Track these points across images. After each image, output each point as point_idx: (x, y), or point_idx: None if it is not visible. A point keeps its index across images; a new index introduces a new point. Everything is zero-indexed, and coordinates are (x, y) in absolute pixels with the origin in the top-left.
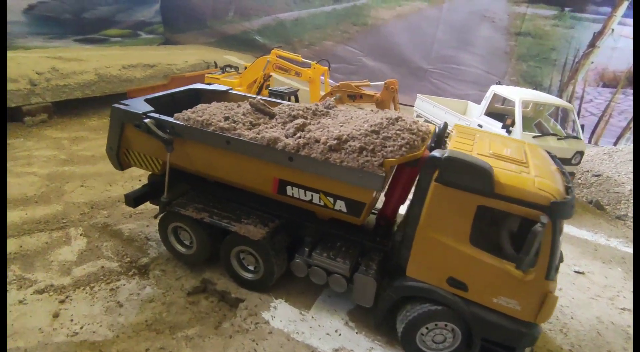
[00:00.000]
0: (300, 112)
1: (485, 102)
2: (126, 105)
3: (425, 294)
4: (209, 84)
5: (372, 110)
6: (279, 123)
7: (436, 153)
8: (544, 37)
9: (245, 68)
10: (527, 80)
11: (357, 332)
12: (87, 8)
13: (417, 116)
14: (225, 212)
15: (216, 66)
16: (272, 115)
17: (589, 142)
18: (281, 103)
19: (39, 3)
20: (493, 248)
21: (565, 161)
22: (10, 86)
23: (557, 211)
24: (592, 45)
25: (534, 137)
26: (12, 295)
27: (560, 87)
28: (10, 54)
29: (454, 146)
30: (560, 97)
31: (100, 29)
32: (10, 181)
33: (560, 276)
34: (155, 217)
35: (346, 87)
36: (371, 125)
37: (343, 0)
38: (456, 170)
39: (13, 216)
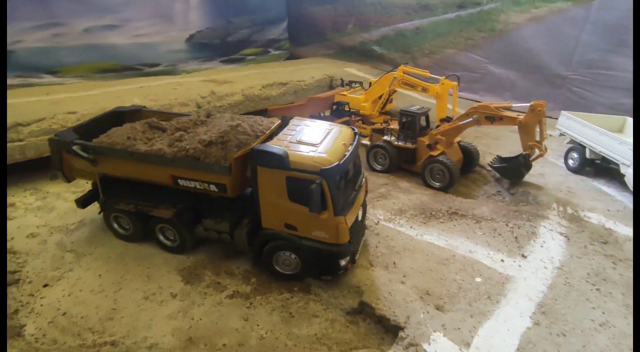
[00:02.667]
0: (184, 124)
1: None
2: (58, 136)
3: (275, 236)
4: (338, 102)
5: (232, 117)
6: (168, 135)
7: (254, 147)
8: None
9: (370, 84)
10: None
11: None
12: (231, 32)
13: (560, 135)
14: (145, 202)
15: (342, 84)
16: (164, 130)
17: None
18: (182, 116)
19: (197, 32)
20: (301, 201)
21: None
22: (182, 109)
23: (324, 174)
24: None
25: None
26: (212, 297)
27: None
28: (178, 79)
29: (277, 138)
30: None
31: (239, 50)
32: None
33: None
34: (99, 213)
35: (485, 108)
36: (219, 132)
37: (468, 6)
38: (265, 156)
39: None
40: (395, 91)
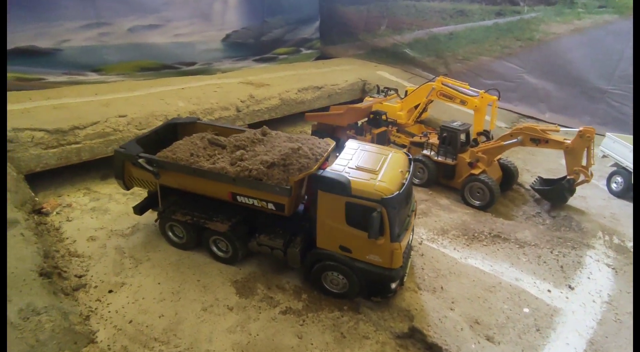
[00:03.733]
0: (243, 142)
1: None
2: (124, 148)
3: (328, 257)
4: (375, 111)
5: (289, 138)
6: (228, 152)
7: (317, 173)
8: None
9: (407, 92)
10: None
11: None
12: (265, 32)
13: (603, 157)
14: (202, 213)
15: (378, 90)
16: (223, 146)
17: None
18: (243, 131)
19: (233, 32)
20: (360, 226)
21: None
22: (223, 113)
23: (385, 203)
24: None
25: None
26: (266, 312)
27: None
28: (216, 80)
29: (337, 162)
30: None
31: (272, 49)
32: None
33: None
34: (156, 221)
35: (531, 130)
36: (281, 154)
37: (507, 14)
38: (328, 183)
39: None
40: (431, 101)
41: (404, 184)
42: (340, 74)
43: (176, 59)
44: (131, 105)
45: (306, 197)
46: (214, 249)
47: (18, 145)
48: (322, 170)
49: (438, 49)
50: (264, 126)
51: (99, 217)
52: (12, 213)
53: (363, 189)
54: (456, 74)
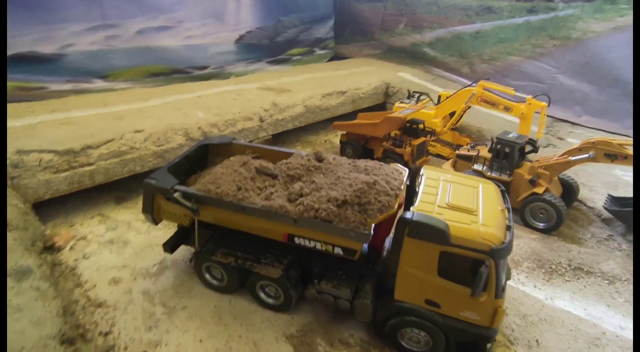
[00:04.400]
0: (297, 171)
1: None
2: (155, 180)
3: (411, 312)
4: (412, 120)
5: (355, 167)
6: (281, 184)
7: (406, 215)
8: None
9: (440, 97)
10: None
11: None
12: (280, 32)
13: None
14: (246, 254)
15: (409, 96)
16: (274, 176)
17: None
18: (289, 153)
19: (247, 33)
20: (455, 278)
21: None
22: (246, 124)
23: (496, 254)
24: None
25: None
26: None
27: None
28: (232, 86)
29: (422, 199)
30: None
31: (286, 50)
32: None
33: None
34: (190, 261)
35: (605, 144)
36: (355, 191)
37: (540, 11)
38: (421, 229)
39: None
40: (469, 107)
41: (509, 227)
42: (361, 76)
43: (187, 63)
44: (146, 117)
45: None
46: (262, 295)
47: (24, 171)
48: (413, 213)
49: (462, 49)
50: (318, 150)
51: (119, 252)
52: (22, 259)
53: (466, 237)
54: (481, 75)
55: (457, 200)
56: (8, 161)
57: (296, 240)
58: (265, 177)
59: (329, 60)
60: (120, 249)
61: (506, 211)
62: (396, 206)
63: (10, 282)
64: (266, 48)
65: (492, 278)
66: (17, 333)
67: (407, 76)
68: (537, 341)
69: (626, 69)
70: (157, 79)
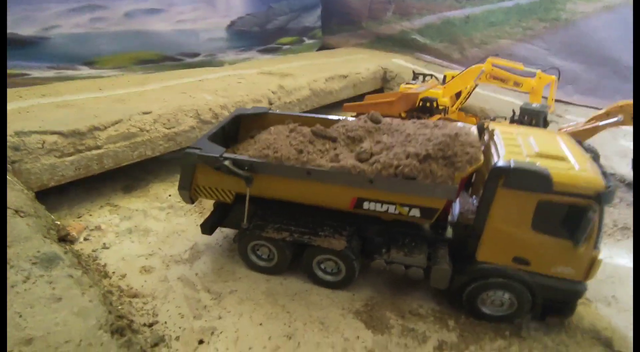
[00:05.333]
0: (358, 133)
1: None
2: (198, 149)
3: (496, 273)
4: (426, 98)
5: (422, 124)
6: (342, 147)
7: (501, 164)
8: None
9: (445, 77)
10: None
11: None
12: (270, 19)
13: None
14: (300, 227)
15: (414, 77)
16: (334, 139)
17: None
18: (336, 120)
19: (238, 19)
20: (549, 231)
21: None
22: (257, 105)
23: (604, 199)
24: None
25: None
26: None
27: None
28: (230, 72)
29: (508, 151)
30: None
31: (276, 39)
32: None
33: None
34: (235, 241)
35: (632, 107)
36: (437, 144)
37: None
38: (521, 177)
39: None
40: (477, 86)
41: (604, 173)
42: (356, 63)
43: (178, 49)
44: (150, 100)
45: None
46: (318, 272)
47: (26, 154)
48: (508, 161)
49: (452, 34)
50: (372, 112)
51: (142, 241)
52: (45, 247)
53: (570, 182)
54: (473, 59)
55: (545, 149)
56: (7, 145)
57: (365, 205)
58: (323, 141)
59: (318, 50)
60: (142, 238)
61: (591, 157)
62: (482, 159)
63: (37, 271)
64: (257, 36)
65: (595, 226)
66: (60, 325)
67: (401, 62)
68: (613, 296)
69: (615, 47)
70: (147, 66)
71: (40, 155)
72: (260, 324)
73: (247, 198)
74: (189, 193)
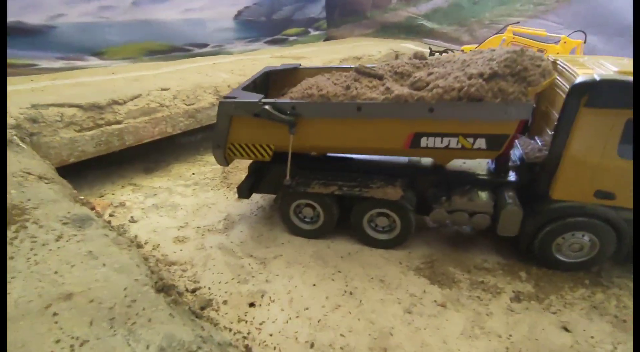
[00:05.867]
0: (406, 68)
1: None
2: (234, 97)
3: (575, 212)
4: None
5: (474, 51)
6: (392, 82)
7: (584, 78)
8: None
9: (462, 51)
10: None
11: None
12: (276, 9)
13: None
14: (348, 181)
15: (431, 53)
16: (380, 77)
17: None
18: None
19: (244, 9)
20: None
21: None
22: None
23: None
24: None
25: None
26: (494, 304)
27: None
28: (242, 57)
29: (584, 71)
30: None
31: (282, 30)
32: None
33: None
34: (276, 201)
35: None
36: (501, 61)
37: None
38: (609, 91)
39: None
40: None
41: None
42: (366, 48)
43: (186, 39)
44: (166, 79)
45: None
46: (369, 231)
47: (45, 127)
48: (592, 76)
49: (460, 17)
50: (417, 50)
51: (171, 215)
52: (76, 208)
53: None
54: (483, 40)
55: (624, 68)
56: (24, 117)
57: (423, 142)
58: (369, 79)
59: (325, 41)
60: (171, 212)
61: None
62: (555, 74)
63: (70, 231)
64: (263, 26)
65: None
66: (101, 281)
67: (410, 46)
68: None
69: (632, 15)
70: (156, 57)
71: (59, 128)
72: (314, 285)
73: (290, 148)
74: (224, 152)
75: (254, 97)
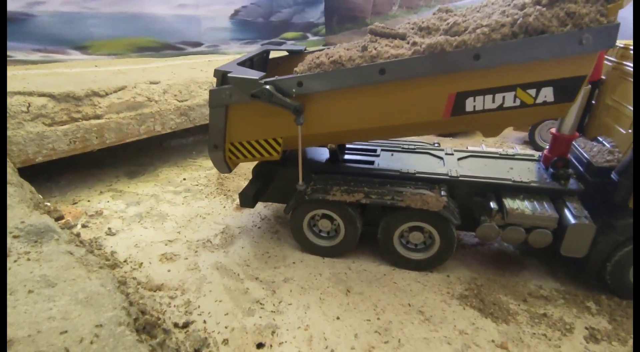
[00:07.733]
0: (432, 22)
1: None
2: (228, 72)
3: None
4: None
5: None
6: (419, 38)
7: None
8: None
9: None
10: None
11: None
12: (274, 11)
13: None
14: (375, 188)
15: None
16: (402, 36)
17: None
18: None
19: (242, 8)
20: None
21: None
22: None
23: None
24: None
25: None
26: (567, 343)
27: None
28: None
29: None
30: None
31: (280, 33)
32: None
33: None
34: (287, 211)
35: None
36: None
37: None
38: None
39: None
40: None
41: None
42: None
43: (179, 37)
44: (156, 73)
45: (551, 134)
46: (400, 249)
47: (8, 118)
48: None
49: None
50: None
51: (157, 227)
52: (33, 217)
53: None
54: None
55: None
56: None
57: (468, 106)
58: (388, 40)
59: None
60: (157, 224)
61: None
62: None
63: (20, 247)
64: (261, 28)
65: None
66: (57, 318)
67: None
68: None
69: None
70: (145, 54)
71: (25, 120)
72: (338, 318)
73: (300, 142)
74: (224, 155)
75: (254, 74)
